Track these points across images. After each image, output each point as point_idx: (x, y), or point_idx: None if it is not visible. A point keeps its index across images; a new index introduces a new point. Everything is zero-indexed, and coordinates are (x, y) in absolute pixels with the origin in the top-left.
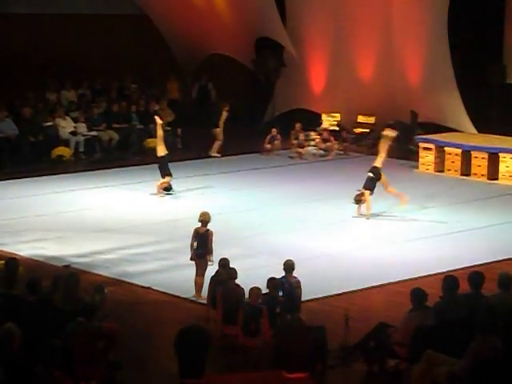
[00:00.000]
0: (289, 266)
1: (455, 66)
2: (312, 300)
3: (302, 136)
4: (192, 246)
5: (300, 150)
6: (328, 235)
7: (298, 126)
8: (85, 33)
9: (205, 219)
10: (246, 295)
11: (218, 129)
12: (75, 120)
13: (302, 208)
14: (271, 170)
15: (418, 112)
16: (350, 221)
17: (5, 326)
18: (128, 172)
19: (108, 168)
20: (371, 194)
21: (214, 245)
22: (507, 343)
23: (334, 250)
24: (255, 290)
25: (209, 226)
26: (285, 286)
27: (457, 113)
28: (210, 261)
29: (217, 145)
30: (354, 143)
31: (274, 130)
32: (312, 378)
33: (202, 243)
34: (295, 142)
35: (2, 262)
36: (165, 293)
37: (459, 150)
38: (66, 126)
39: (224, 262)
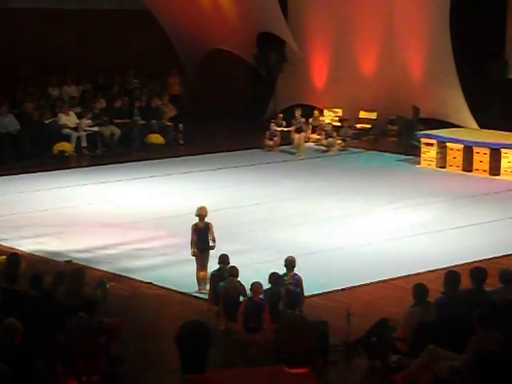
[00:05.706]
0: (290, 263)
1: (457, 62)
2: (314, 295)
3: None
4: (192, 242)
5: (296, 135)
6: (329, 230)
7: (297, 112)
8: (87, 28)
9: (202, 213)
10: (247, 291)
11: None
12: (77, 115)
13: (302, 203)
14: (272, 166)
15: (420, 107)
16: (351, 216)
17: (6, 320)
18: (130, 167)
19: (110, 163)
20: None
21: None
22: (508, 338)
23: (335, 246)
24: (257, 285)
25: (211, 222)
26: (285, 282)
27: (459, 108)
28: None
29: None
30: (355, 138)
31: (273, 125)
32: (314, 373)
33: (202, 238)
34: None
35: (4, 257)
36: (166, 288)
37: (461, 146)
38: (69, 121)
39: (224, 259)
